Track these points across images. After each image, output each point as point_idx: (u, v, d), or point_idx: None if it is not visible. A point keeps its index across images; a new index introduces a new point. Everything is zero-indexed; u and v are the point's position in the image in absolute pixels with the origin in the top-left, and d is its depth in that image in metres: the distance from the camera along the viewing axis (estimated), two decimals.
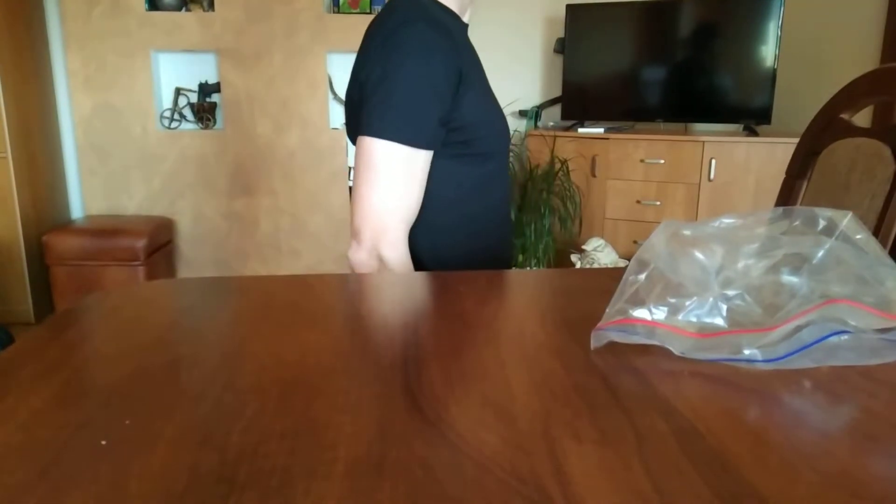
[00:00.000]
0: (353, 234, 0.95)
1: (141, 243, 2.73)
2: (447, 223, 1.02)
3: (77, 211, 3.15)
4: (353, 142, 0.99)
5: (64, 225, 2.88)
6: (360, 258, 0.94)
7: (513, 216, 2.94)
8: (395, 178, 0.92)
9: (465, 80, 0.94)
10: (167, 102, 3.10)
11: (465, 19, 1.06)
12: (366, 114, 0.92)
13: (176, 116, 3.10)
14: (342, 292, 0.75)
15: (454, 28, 0.98)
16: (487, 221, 1.07)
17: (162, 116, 3.07)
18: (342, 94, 3.14)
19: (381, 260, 0.94)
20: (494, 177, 1.05)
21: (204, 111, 3.07)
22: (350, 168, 1.08)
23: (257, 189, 3.09)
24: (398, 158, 0.91)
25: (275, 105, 3.02)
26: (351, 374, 0.50)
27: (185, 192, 3.06)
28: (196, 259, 3.14)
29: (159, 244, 2.91)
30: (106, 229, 2.78)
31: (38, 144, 2.86)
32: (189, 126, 3.12)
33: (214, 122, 3.10)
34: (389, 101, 0.90)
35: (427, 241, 1.02)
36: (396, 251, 0.94)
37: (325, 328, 0.62)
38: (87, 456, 0.39)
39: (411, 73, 0.89)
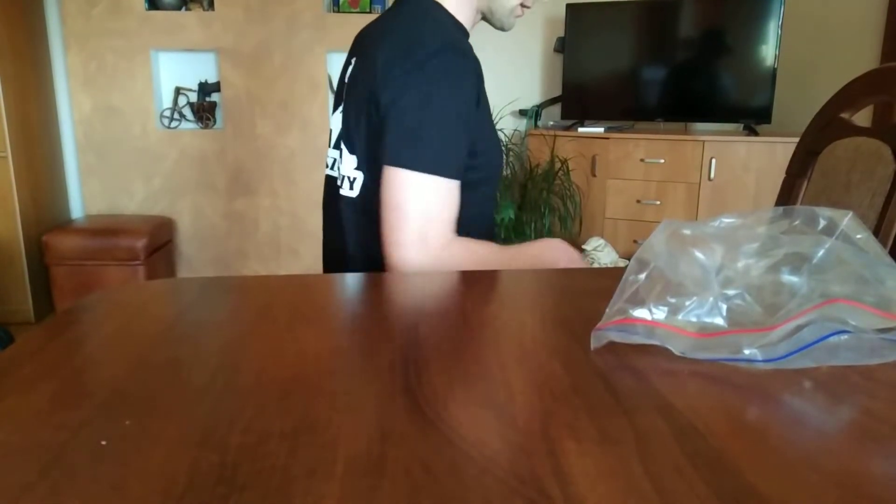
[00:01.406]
0: (406, 245, 0.89)
1: (141, 243, 2.73)
2: None
3: (77, 210, 3.15)
4: (350, 149, 0.98)
5: (64, 224, 2.88)
6: (423, 261, 0.90)
7: (513, 216, 2.94)
8: (434, 204, 0.89)
9: (479, 103, 0.93)
10: (167, 102, 3.10)
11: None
12: (393, 143, 0.89)
13: (176, 116, 3.09)
14: (341, 292, 0.75)
15: (471, 49, 0.96)
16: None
17: (162, 116, 3.07)
18: None
19: (438, 260, 0.90)
20: (488, 200, 1.05)
21: (204, 111, 3.07)
22: (345, 177, 1.05)
23: (257, 189, 3.09)
24: (434, 189, 0.89)
25: (275, 105, 3.01)
26: (351, 374, 0.50)
27: (184, 192, 3.06)
28: (196, 259, 3.14)
29: (159, 244, 2.91)
30: (106, 229, 2.78)
31: (38, 144, 2.86)
32: (189, 126, 3.12)
33: (214, 122, 3.10)
34: (423, 133, 0.88)
35: None
36: (451, 251, 0.91)
37: (325, 328, 0.61)
38: (87, 456, 0.39)
39: (444, 106, 0.88)
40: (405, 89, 0.89)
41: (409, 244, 0.88)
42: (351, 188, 1.00)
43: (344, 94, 1.03)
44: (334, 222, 1.07)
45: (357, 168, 0.98)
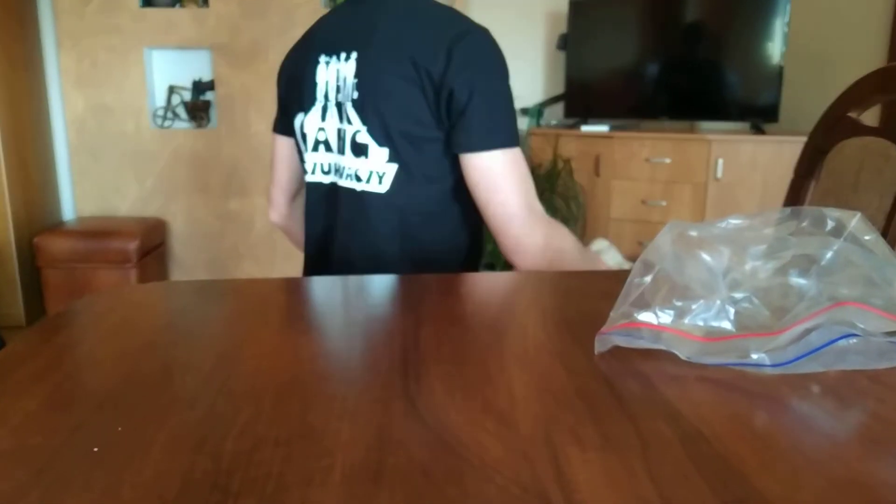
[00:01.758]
0: (518, 217, 0.95)
1: (133, 245, 2.71)
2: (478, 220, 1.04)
3: (69, 212, 3.12)
4: (382, 142, 0.97)
5: (55, 226, 2.86)
6: (536, 262, 0.96)
7: None
8: (523, 171, 0.98)
9: None
10: (160, 100, 3.08)
11: None
12: (480, 129, 0.95)
13: (169, 115, 3.08)
14: (338, 295, 0.75)
15: None
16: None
17: (155, 115, 3.05)
18: None
19: (553, 249, 0.96)
20: None
21: (198, 109, 3.05)
22: (372, 172, 1.04)
23: (252, 189, 3.07)
24: (516, 158, 0.97)
25: (270, 103, 2.99)
26: (348, 379, 0.49)
27: (178, 193, 3.04)
28: (189, 260, 3.12)
29: (152, 246, 2.89)
30: (98, 231, 2.77)
31: (30, 144, 2.84)
32: (182, 124, 3.10)
33: (208, 121, 3.09)
34: (500, 111, 0.97)
35: (473, 238, 1.05)
36: (550, 223, 0.99)
37: (321, 331, 0.61)
38: (79, 462, 0.38)
39: (503, 80, 0.99)
40: (476, 75, 0.94)
41: (520, 215, 0.94)
42: (380, 183, 0.99)
43: (349, 94, 0.99)
44: (344, 225, 1.04)
45: (390, 161, 0.98)
